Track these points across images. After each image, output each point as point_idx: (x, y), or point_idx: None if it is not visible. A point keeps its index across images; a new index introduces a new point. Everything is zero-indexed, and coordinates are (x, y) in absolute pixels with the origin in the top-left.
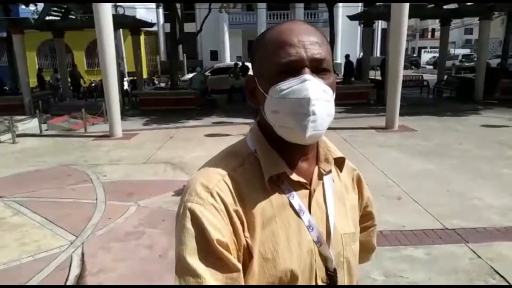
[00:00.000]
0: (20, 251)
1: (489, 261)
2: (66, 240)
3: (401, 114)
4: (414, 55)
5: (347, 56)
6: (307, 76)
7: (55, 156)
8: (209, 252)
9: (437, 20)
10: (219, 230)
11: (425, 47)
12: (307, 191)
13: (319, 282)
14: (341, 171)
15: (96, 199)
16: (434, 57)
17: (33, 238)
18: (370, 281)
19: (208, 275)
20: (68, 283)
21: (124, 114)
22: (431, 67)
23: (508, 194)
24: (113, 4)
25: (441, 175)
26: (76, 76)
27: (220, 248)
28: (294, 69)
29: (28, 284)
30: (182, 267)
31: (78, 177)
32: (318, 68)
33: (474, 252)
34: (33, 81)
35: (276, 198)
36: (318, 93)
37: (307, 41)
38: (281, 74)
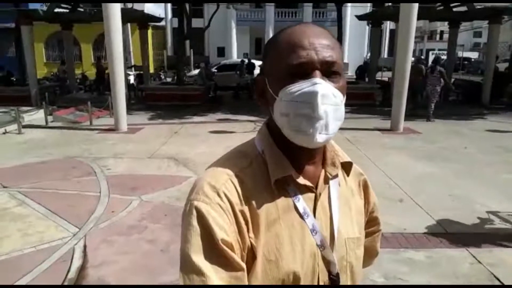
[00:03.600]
0: (23, 241)
1: (489, 267)
2: (69, 232)
3: (406, 116)
4: (422, 56)
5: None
6: (317, 79)
7: (60, 148)
8: (214, 250)
9: (446, 22)
10: (224, 229)
11: (433, 49)
12: (313, 194)
13: None
14: (348, 175)
15: (100, 192)
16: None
17: (37, 229)
18: (369, 282)
19: (213, 273)
20: (70, 274)
21: (130, 108)
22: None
23: (511, 199)
24: None
25: (444, 179)
26: (102, 68)
27: (225, 248)
28: (304, 71)
29: (27, 283)
30: (187, 265)
31: (82, 169)
32: (329, 71)
33: (474, 257)
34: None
35: (281, 200)
36: (328, 97)
37: (318, 44)
38: (292, 76)
